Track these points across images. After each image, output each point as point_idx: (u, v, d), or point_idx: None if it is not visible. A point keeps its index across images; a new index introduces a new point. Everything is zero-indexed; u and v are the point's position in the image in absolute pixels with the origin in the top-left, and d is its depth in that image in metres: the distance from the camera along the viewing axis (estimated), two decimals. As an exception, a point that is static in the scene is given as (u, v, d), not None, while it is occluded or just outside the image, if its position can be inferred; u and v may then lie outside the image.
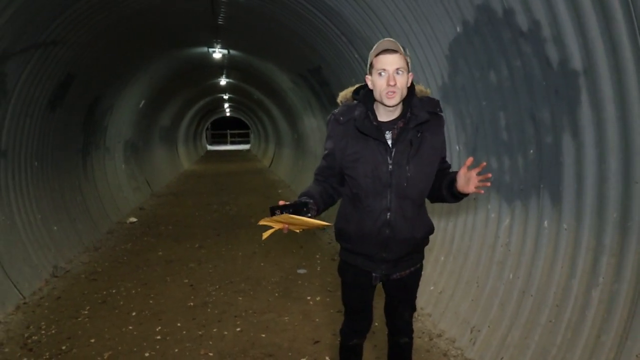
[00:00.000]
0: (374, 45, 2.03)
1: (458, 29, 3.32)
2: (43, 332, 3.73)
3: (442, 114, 2.12)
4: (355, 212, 2.11)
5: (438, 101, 2.12)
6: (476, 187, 1.94)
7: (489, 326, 3.11)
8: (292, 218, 1.83)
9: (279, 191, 11.72)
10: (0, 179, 4.65)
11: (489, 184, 1.95)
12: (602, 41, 2.24)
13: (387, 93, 1.94)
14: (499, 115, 3.14)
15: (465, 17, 3.18)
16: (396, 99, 1.96)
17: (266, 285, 4.79)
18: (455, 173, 2.04)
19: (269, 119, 18.16)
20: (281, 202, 1.89)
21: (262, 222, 1.89)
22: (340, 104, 2.17)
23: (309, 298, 4.39)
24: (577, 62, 2.41)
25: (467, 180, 1.95)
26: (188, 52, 9.44)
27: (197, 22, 7.09)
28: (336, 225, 2.22)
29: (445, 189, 2.08)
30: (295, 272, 5.18)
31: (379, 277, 2.18)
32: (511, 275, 3.05)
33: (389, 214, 2.05)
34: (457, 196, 2.05)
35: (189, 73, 11.74)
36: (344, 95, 2.17)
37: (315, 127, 9.84)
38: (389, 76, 1.93)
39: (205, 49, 9.03)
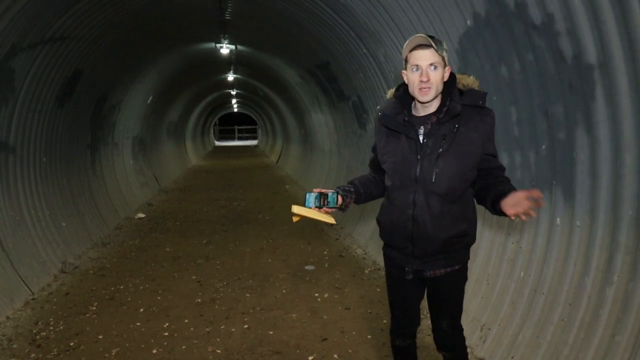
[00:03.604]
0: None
1: (468, 22, 3.26)
2: (51, 328, 3.74)
3: (485, 106, 2.02)
4: (388, 204, 2.15)
5: (483, 94, 2.03)
6: (518, 213, 1.80)
7: (499, 324, 3.07)
8: (308, 211, 2.04)
9: (287, 187, 11.71)
10: (9, 175, 4.66)
11: (533, 214, 1.82)
12: (618, 34, 2.18)
13: (420, 89, 1.94)
14: (511, 110, 3.09)
15: (476, 9, 3.12)
16: (430, 94, 1.95)
17: (274, 281, 4.77)
18: (508, 188, 1.92)
19: (277, 115, 18.14)
20: (316, 190, 2.04)
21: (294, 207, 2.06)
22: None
23: (316, 295, 4.37)
24: (591, 55, 2.35)
25: (516, 202, 1.82)
26: (195, 47, 9.43)
27: (204, 17, 7.06)
28: (376, 217, 2.29)
29: (489, 202, 1.95)
30: (303, 268, 5.16)
31: (411, 272, 2.14)
32: (522, 273, 3.01)
33: (414, 208, 2.04)
34: (499, 213, 1.92)
35: (197, 69, 11.73)
36: (391, 92, 2.20)
37: (322, 123, 9.80)
38: (422, 72, 1.92)
39: (213, 44, 9.01)
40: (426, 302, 2.30)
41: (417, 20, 3.85)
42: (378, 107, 2.24)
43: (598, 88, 2.36)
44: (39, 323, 3.82)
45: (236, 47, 9.27)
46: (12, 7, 3.89)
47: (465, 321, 3.39)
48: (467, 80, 2.06)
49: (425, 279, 2.15)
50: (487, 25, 3.08)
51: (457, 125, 1.97)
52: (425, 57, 1.91)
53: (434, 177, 1.99)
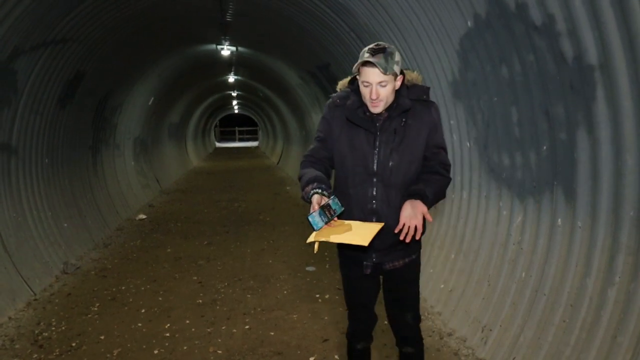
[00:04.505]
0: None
1: (469, 23, 3.27)
2: (53, 328, 3.74)
3: (429, 100, 2.10)
4: (343, 200, 2.06)
5: (427, 88, 2.11)
6: (403, 227, 1.89)
7: (500, 325, 3.07)
8: (338, 224, 1.90)
9: (287, 188, 11.71)
10: (12, 176, 4.67)
11: (408, 239, 1.90)
12: (619, 35, 2.18)
13: (370, 103, 1.99)
14: (511, 110, 3.09)
15: (477, 10, 3.13)
16: (380, 108, 2.00)
17: (275, 282, 4.77)
18: (420, 189, 1.99)
19: (278, 116, 18.15)
20: (317, 206, 1.87)
21: (310, 241, 1.88)
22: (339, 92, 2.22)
23: (317, 296, 4.37)
24: (592, 56, 2.35)
25: (411, 216, 1.90)
26: (197, 49, 9.45)
27: (206, 18, 7.08)
28: None
29: (407, 195, 2.01)
30: (304, 269, 5.16)
31: (370, 266, 2.15)
32: (523, 274, 3.01)
33: (374, 202, 2.07)
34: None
35: (198, 70, 11.75)
36: (342, 84, 2.24)
37: (323, 124, 9.80)
38: (371, 90, 1.95)
39: (214, 46, 9.03)
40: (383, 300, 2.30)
41: (417, 21, 3.86)
42: (333, 95, 2.23)
43: (599, 89, 2.36)
44: (41, 323, 3.83)
45: (237, 49, 9.29)
46: (15, 9, 3.90)
47: (467, 322, 3.40)
48: (412, 76, 2.12)
49: (384, 272, 2.17)
50: (487, 26, 3.08)
51: (404, 119, 2.04)
52: (374, 76, 1.93)
53: (390, 170, 2.05)
